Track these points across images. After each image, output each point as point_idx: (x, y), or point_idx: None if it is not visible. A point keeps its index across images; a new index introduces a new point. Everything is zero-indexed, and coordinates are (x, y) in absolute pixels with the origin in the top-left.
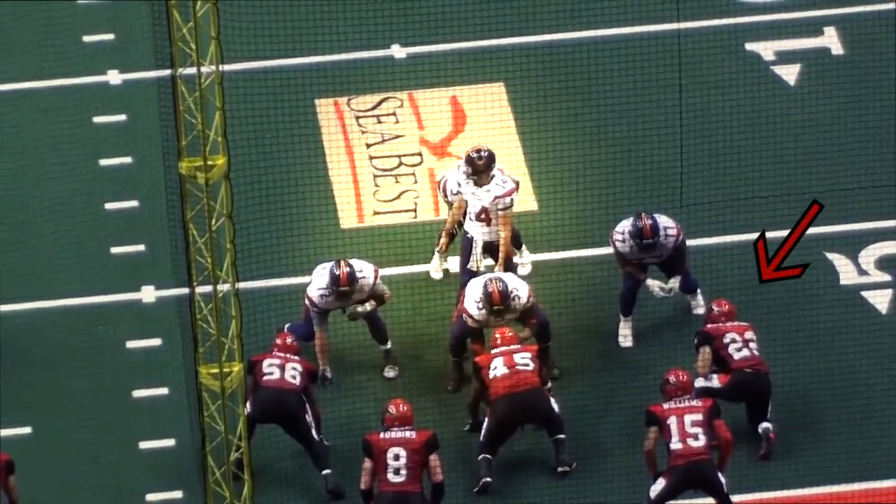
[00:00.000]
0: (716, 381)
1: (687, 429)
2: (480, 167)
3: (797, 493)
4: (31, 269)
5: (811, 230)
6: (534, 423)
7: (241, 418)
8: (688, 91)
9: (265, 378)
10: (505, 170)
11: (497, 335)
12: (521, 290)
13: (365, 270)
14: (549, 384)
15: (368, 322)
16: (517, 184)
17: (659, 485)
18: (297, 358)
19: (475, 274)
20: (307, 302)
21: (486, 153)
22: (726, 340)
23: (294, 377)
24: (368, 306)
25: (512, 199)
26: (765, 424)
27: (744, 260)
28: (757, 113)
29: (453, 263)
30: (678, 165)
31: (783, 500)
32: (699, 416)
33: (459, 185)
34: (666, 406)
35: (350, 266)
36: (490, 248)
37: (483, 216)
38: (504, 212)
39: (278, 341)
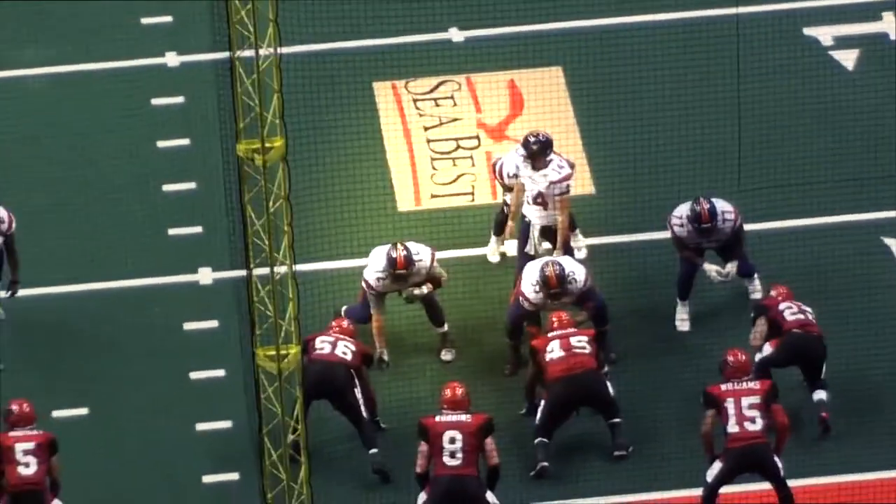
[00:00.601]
0: (768, 348)
1: (744, 412)
2: (536, 151)
3: (854, 478)
4: (89, 251)
5: (869, 216)
6: (590, 406)
7: (297, 400)
8: (746, 76)
9: (315, 353)
10: (562, 153)
11: (554, 319)
12: (578, 274)
13: (422, 253)
14: (607, 368)
15: (425, 305)
16: (573, 167)
17: (715, 468)
18: (351, 339)
19: (532, 258)
20: (364, 285)
21: (543, 138)
22: (781, 308)
23: (344, 353)
24: (425, 289)
25: (568, 185)
26: (819, 395)
27: (801, 244)
28: (815, 98)
29: (510, 247)
30: (736, 150)
31: (840, 484)
32: (757, 399)
33: (517, 167)
34: (724, 387)
35: (407, 249)
36: (547, 232)
37: (539, 200)
38: (561, 196)
39: (334, 324)
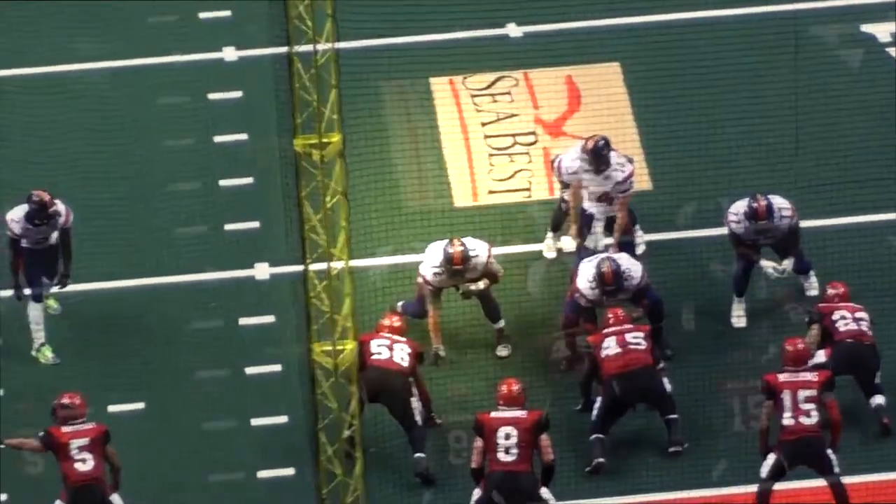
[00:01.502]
0: (821, 356)
1: (800, 404)
2: (598, 155)
3: None
4: (146, 245)
5: None
6: (646, 403)
7: (353, 396)
8: (803, 72)
9: (373, 357)
10: (618, 150)
11: (610, 315)
12: (634, 271)
13: (478, 249)
14: (662, 364)
15: (481, 300)
16: (631, 163)
17: (769, 462)
18: (404, 339)
19: (592, 253)
20: (421, 280)
21: (602, 141)
22: (835, 317)
23: (403, 358)
24: (482, 284)
25: (631, 183)
26: (877, 400)
27: (858, 241)
28: (872, 94)
29: (567, 243)
30: (793, 146)
31: (894, 482)
32: (813, 392)
33: (578, 171)
34: (782, 378)
35: (463, 245)
36: (611, 227)
37: (604, 198)
38: (623, 195)
39: (385, 322)
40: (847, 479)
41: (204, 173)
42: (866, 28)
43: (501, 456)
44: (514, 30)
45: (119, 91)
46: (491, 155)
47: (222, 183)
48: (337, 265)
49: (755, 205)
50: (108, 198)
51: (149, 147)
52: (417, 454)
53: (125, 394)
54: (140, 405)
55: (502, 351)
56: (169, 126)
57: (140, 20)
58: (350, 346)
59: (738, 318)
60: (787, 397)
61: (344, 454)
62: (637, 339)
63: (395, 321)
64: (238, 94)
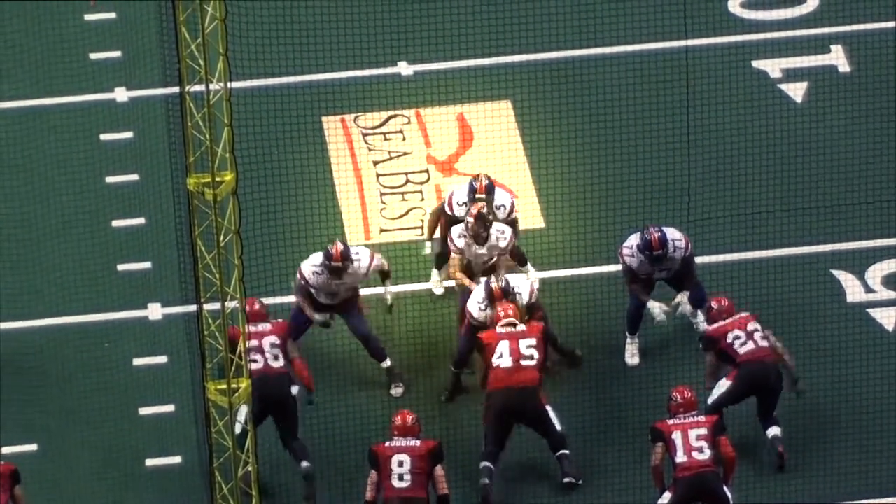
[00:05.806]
0: (724, 383)
1: (692, 442)
2: (481, 231)
3: None
4: (39, 286)
5: (819, 247)
6: (526, 424)
7: (248, 434)
8: (695, 108)
9: (252, 367)
10: (505, 185)
11: (500, 311)
12: (522, 288)
13: (361, 254)
14: (549, 364)
15: (363, 342)
16: (514, 201)
17: (665, 498)
18: (268, 328)
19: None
20: (299, 278)
21: (481, 215)
22: (729, 339)
23: (276, 356)
24: (388, 298)
25: (514, 242)
26: (773, 431)
27: (751, 275)
28: (764, 129)
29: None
30: (685, 182)
31: None
32: (704, 431)
33: (463, 247)
34: (671, 422)
35: (345, 245)
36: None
37: (490, 265)
38: (505, 255)
39: (246, 308)
40: None
41: (96, 214)
42: (757, 64)
43: (395, 482)
44: (405, 68)
45: (10, 132)
46: (383, 193)
47: (115, 223)
48: (231, 304)
49: (648, 236)
50: None
51: (41, 188)
52: (303, 462)
53: (18, 435)
54: (33, 447)
55: (395, 390)
56: (61, 167)
57: (29, 61)
58: (244, 384)
59: (632, 356)
60: (678, 438)
61: (240, 492)
62: (530, 348)
63: (256, 307)
64: (129, 134)
